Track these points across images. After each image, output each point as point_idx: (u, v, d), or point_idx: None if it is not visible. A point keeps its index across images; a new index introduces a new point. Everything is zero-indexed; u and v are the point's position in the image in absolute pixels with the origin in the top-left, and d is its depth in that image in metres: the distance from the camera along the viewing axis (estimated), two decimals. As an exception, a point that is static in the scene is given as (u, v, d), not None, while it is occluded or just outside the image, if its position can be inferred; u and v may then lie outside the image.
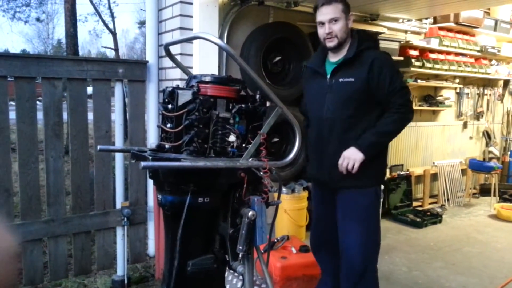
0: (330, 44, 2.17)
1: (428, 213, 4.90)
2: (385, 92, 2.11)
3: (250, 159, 1.54)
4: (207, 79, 1.56)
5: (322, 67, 2.29)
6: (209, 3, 3.06)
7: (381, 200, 2.38)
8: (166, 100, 1.53)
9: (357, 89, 2.12)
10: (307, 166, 2.54)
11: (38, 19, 19.67)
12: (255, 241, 1.59)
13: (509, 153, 6.53)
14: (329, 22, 2.13)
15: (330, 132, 2.21)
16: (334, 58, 2.25)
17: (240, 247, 1.53)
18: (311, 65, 2.36)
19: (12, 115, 2.78)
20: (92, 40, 35.46)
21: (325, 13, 2.13)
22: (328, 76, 2.22)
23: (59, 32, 32.32)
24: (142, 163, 1.31)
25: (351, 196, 2.24)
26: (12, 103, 2.81)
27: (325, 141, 2.24)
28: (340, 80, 2.17)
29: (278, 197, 1.77)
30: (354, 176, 2.17)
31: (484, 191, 6.02)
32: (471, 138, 6.12)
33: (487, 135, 6.27)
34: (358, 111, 2.15)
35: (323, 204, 2.45)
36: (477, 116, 6.10)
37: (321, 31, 2.18)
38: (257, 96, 1.62)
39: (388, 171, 5.05)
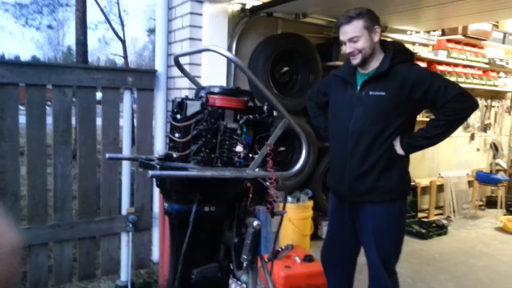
0: (354, 61, 2.12)
1: (434, 225, 4.87)
2: (439, 104, 2.06)
3: (257, 170, 1.56)
4: (216, 90, 1.58)
5: (352, 76, 2.21)
6: (218, 14, 3.11)
7: (405, 214, 2.31)
8: (175, 110, 1.56)
9: (388, 104, 2.07)
10: (327, 176, 2.48)
11: (49, 26, 19.94)
12: (259, 251, 1.60)
13: (516, 165, 6.50)
14: (349, 41, 2.09)
15: (355, 146, 2.14)
16: (365, 70, 2.17)
17: (245, 256, 1.55)
18: (339, 74, 2.28)
19: (22, 119, 2.83)
20: (102, 47, 35.81)
21: (344, 33, 2.10)
22: (358, 87, 2.15)
23: (70, 39, 32.77)
24: (150, 172, 1.33)
25: (370, 210, 2.19)
26: (22, 107, 2.86)
27: (349, 154, 2.17)
28: (370, 93, 2.10)
29: (284, 207, 1.78)
30: (375, 191, 2.14)
31: (491, 203, 5.97)
32: (478, 150, 6.10)
33: (495, 147, 6.24)
34: (387, 126, 2.09)
35: (340, 217, 2.36)
36: (485, 128, 6.07)
37: (344, 49, 2.15)
38: (265, 107, 1.64)
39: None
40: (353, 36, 2.06)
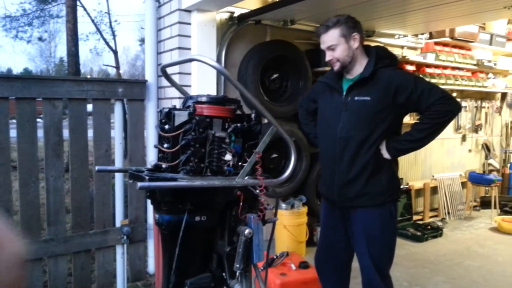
0: (335, 68, 2.18)
1: (429, 227, 4.89)
2: (423, 108, 2.09)
3: (246, 178, 1.56)
4: (203, 99, 1.58)
5: (338, 83, 2.24)
6: (207, 23, 3.13)
7: (396, 217, 2.31)
8: (163, 120, 1.56)
9: (373, 108, 2.10)
10: (318, 182, 2.52)
11: (40, 39, 19.89)
12: (252, 259, 1.60)
13: (508, 165, 6.54)
14: (328, 49, 2.15)
15: (343, 151, 2.17)
16: (350, 75, 2.21)
17: (237, 265, 1.54)
18: (326, 81, 2.31)
19: (13, 133, 2.82)
20: (94, 58, 35.81)
21: (322, 42, 2.17)
22: (344, 93, 2.19)
23: (61, 50, 32.70)
24: (139, 184, 1.33)
25: (361, 215, 2.21)
26: (13, 120, 2.85)
27: (337, 159, 2.20)
28: (356, 98, 2.13)
29: (275, 214, 1.78)
30: (365, 195, 2.16)
31: (485, 203, 6.01)
32: (470, 151, 6.14)
33: (486, 148, 6.28)
34: (373, 130, 2.11)
35: (332, 222, 2.38)
36: (476, 129, 6.12)
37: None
38: (252, 115, 1.64)
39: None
40: (330, 44, 2.13)
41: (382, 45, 4.40)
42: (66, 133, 3.04)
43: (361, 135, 2.12)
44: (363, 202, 2.18)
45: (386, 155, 2.15)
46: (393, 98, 2.08)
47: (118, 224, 3.26)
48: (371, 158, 2.13)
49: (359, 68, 2.17)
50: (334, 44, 2.12)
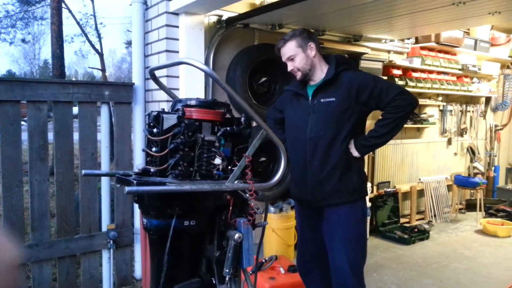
0: (297, 77, 2.34)
1: (416, 230, 4.93)
2: (383, 104, 2.22)
3: (236, 182, 1.55)
4: (192, 103, 1.57)
5: (304, 89, 2.37)
6: (194, 26, 3.11)
7: (368, 214, 2.42)
8: (151, 124, 1.54)
9: (338, 108, 2.22)
10: (289, 186, 2.59)
11: (23, 40, 19.62)
12: (241, 264, 1.58)
13: (493, 168, 6.65)
14: (288, 60, 2.31)
15: (313, 152, 2.27)
16: (313, 82, 2.35)
17: (227, 270, 1.53)
18: (292, 88, 2.45)
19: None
20: (79, 60, 35.42)
21: (282, 55, 2.33)
22: (310, 97, 2.31)
23: (46, 53, 32.25)
24: (127, 188, 1.30)
25: (336, 213, 2.29)
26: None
27: (308, 160, 2.29)
28: (322, 100, 2.26)
29: (265, 218, 1.77)
30: (338, 192, 2.25)
31: (470, 206, 6.09)
32: (455, 154, 6.22)
33: (471, 151, 6.37)
34: (341, 129, 2.24)
35: (308, 223, 2.48)
36: (461, 132, 6.20)
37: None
38: (242, 119, 1.64)
39: (375, 188, 5.08)
40: (289, 55, 2.29)
41: (368, 49, 4.46)
42: (51, 136, 2.99)
43: (330, 134, 2.23)
44: (337, 199, 2.27)
45: (355, 153, 2.27)
46: (356, 97, 2.22)
47: (104, 228, 3.21)
48: (342, 157, 2.24)
49: (320, 74, 2.31)
50: (293, 55, 2.27)
